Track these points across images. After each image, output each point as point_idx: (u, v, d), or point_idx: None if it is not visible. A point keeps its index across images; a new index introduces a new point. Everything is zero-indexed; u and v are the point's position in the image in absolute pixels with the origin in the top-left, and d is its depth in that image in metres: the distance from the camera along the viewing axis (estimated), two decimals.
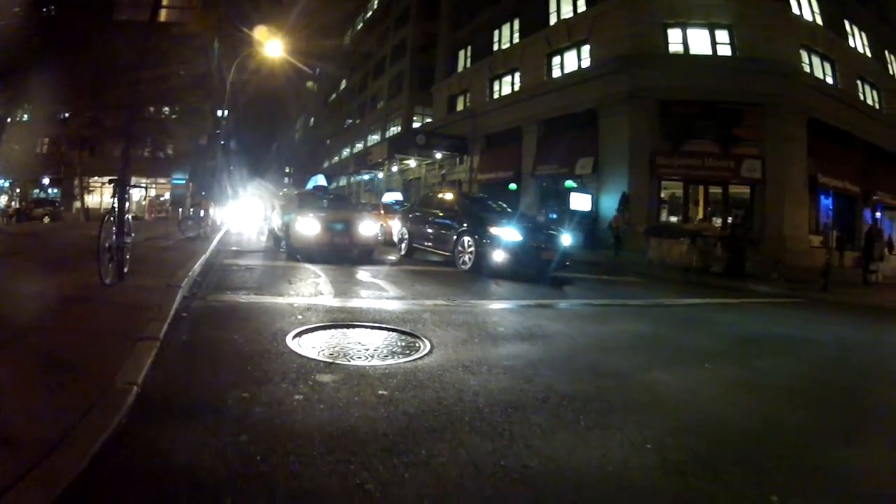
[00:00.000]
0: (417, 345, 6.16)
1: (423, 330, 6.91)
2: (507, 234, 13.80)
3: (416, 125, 58.05)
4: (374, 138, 68.49)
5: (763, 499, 3.18)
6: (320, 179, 19.36)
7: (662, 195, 29.15)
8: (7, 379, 3.85)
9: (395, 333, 6.68)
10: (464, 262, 14.26)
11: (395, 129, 62.87)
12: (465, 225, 14.87)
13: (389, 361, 5.47)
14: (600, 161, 29.27)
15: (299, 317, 7.24)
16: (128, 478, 2.87)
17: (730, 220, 22.58)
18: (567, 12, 34.33)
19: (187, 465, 3.05)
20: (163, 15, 8.87)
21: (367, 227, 15.87)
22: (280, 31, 28.26)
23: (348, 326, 6.89)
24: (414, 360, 5.56)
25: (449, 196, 18.11)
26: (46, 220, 41.99)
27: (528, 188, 34.82)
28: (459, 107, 45.70)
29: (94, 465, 2.86)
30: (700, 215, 27.83)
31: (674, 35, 28.94)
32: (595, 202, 29.40)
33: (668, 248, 20.42)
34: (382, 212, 23.67)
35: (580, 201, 29.58)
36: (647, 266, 20.23)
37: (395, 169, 53.96)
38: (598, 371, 5.72)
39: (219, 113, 37.64)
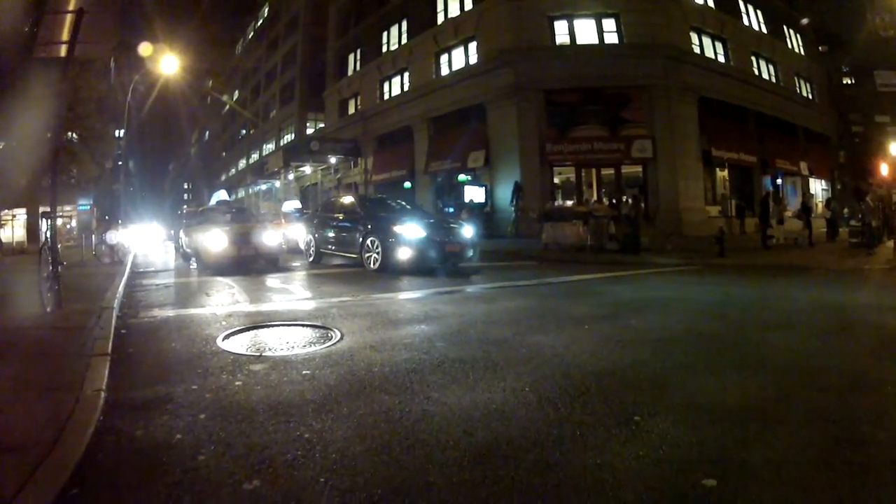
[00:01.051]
0: (330, 335, 6.98)
1: (333, 323, 7.73)
2: (411, 231, 14.25)
3: (309, 131, 58.17)
4: (269, 147, 68.37)
5: (626, 419, 4.03)
6: (222, 194, 19.83)
7: (556, 181, 30.21)
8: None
9: (309, 328, 7.49)
10: (372, 262, 14.63)
11: (289, 137, 62.79)
12: (369, 226, 15.25)
13: (308, 350, 6.31)
14: (492, 153, 30.21)
15: (223, 323, 7.95)
16: (118, 456, 3.58)
17: (614, 200, 23.59)
18: (454, 10, 34.95)
19: (163, 440, 3.79)
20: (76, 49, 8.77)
21: (271, 237, 16.55)
22: (172, 47, 27.76)
23: (268, 326, 7.68)
24: (328, 346, 6.41)
25: (351, 199, 18.59)
26: None
27: (422, 185, 35.54)
28: (351, 110, 45.94)
29: (89, 452, 3.53)
30: (594, 197, 28.72)
31: (560, 27, 29.94)
32: (490, 193, 30.36)
33: (561, 231, 21.05)
34: (283, 220, 23.98)
35: (475, 194, 30.56)
36: (543, 250, 21.00)
37: (291, 177, 53.86)
38: (484, 340, 6.66)
39: (118, 133, 37.04)
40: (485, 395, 4.60)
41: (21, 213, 55.86)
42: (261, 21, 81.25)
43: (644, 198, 27.09)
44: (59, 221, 55.42)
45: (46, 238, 9.34)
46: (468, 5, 33.94)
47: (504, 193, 28.73)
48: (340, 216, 17.08)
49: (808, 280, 13.32)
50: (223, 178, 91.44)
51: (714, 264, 16.19)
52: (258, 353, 6.09)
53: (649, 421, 3.94)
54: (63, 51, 9.71)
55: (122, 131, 36.14)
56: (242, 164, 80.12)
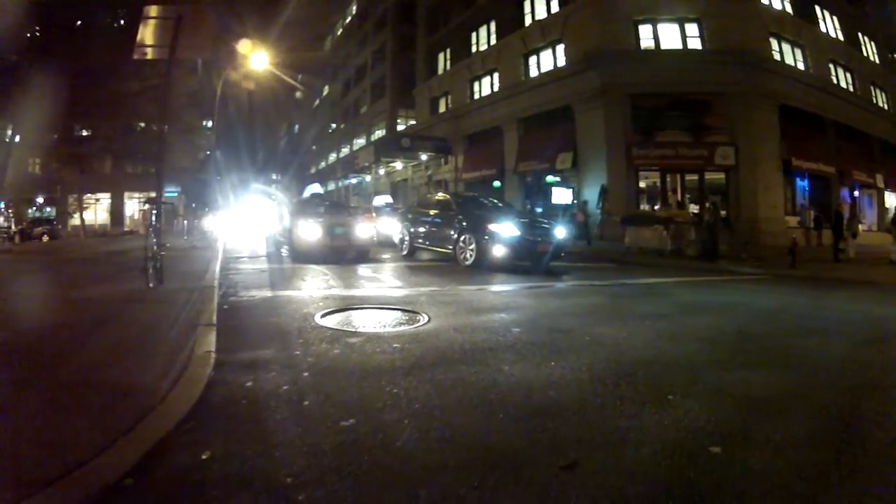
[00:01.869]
0: (418, 317, 7.85)
1: (422, 308, 8.60)
2: (505, 229, 14.75)
3: (400, 127, 58.22)
4: (360, 142, 68.46)
5: (661, 397, 4.66)
6: (315, 188, 20.94)
7: (642, 185, 30.15)
8: (122, 358, 5.37)
9: (399, 311, 8.37)
10: (465, 258, 15.28)
11: (379, 133, 62.77)
12: (464, 223, 15.87)
13: (398, 328, 7.19)
14: (579, 155, 30.23)
15: (320, 304, 8.88)
16: (230, 401, 4.40)
17: (697, 206, 23.76)
18: (541, 13, 35.10)
19: (270, 390, 4.64)
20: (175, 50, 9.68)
21: (363, 230, 17.36)
22: (263, 43, 28.29)
23: (361, 308, 8.63)
24: (416, 326, 7.30)
25: (447, 197, 19.41)
26: (45, 238, 43.05)
27: (511, 184, 35.64)
28: (441, 108, 46.34)
29: (203, 397, 4.37)
30: (678, 203, 28.51)
31: (644, 31, 29.76)
32: (577, 195, 30.41)
33: (643, 235, 21.38)
34: (374, 214, 24.96)
35: (561, 195, 30.96)
36: (625, 253, 21.27)
37: (381, 172, 54.51)
38: (554, 328, 7.36)
39: (207, 124, 38.70)
40: (546, 371, 5.35)
41: (105, 198, 59.41)
42: (348, 18, 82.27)
43: (726, 205, 27.01)
44: (146, 206, 58.56)
45: (151, 221, 10.55)
46: (555, 7, 33.90)
47: (591, 196, 28.85)
48: (435, 212, 17.81)
49: (868, 295, 13.12)
50: (313, 170, 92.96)
51: (783, 275, 16.14)
52: (353, 329, 6.98)
53: (680, 400, 4.55)
54: (159, 53, 10.83)
55: (212, 123, 37.67)
56: (333, 157, 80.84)
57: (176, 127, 37.82)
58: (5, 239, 32.81)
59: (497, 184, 36.87)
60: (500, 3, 38.57)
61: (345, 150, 74.66)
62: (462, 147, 41.37)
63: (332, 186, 76.24)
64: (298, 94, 69.01)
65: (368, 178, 59.35)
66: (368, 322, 7.58)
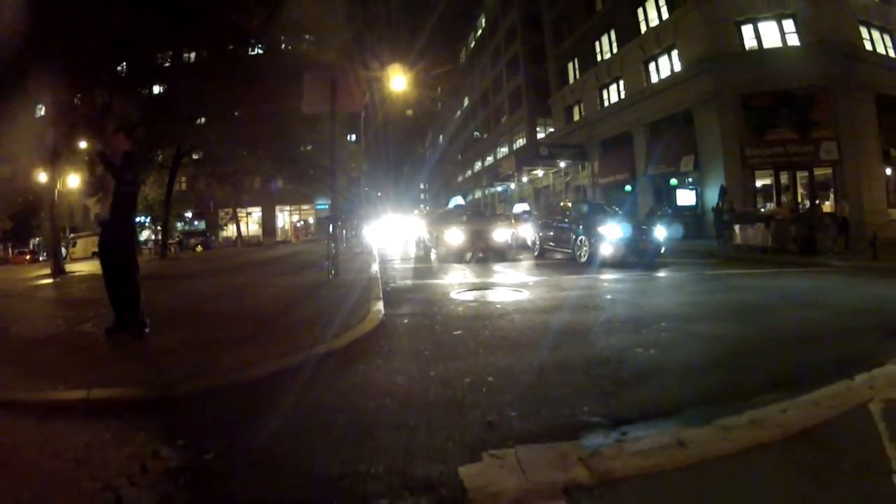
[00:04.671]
0: (522, 293, 10.96)
1: (526, 288, 11.63)
2: (611, 231, 16.91)
3: (539, 136, 59.47)
4: (503, 151, 70.03)
5: (641, 329, 7.36)
6: (458, 199, 24.26)
7: (758, 184, 30.57)
8: (327, 312, 8.61)
9: (510, 290, 11.51)
10: (581, 256, 17.51)
11: (521, 142, 64.06)
12: (580, 226, 18.11)
13: (503, 298, 10.38)
14: (700, 157, 31.10)
15: (455, 287, 12.18)
16: (393, 329, 7.67)
17: (793, 203, 24.45)
18: (654, 19, 35.96)
19: (417, 324, 7.94)
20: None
21: (500, 234, 20.18)
22: (403, 58, 29.99)
23: (483, 289, 11.80)
24: (516, 298, 10.41)
25: (568, 204, 22.28)
26: (199, 248, 48.25)
27: (643, 188, 36.53)
28: (576, 116, 47.53)
29: (378, 328, 7.54)
30: (789, 199, 28.55)
31: (747, 31, 30.15)
32: (700, 196, 31.55)
33: (748, 233, 22.13)
34: (514, 221, 27.46)
35: (685, 197, 32.42)
36: (734, 250, 22.23)
37: (525, 179, 56.22)
38: (614, 300, 10.27)
39: (351, 137, 42.27)
40: (580, 316, 8.40)
41: (256, 211, 65.17)
42: (479, 31, 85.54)
43: (834, 200, 27.42)
44: (296, 217, 64.19)
45: (330, 230, 14.44)
46: (665, 14, 34.84)
47: (711, 196, 29.27)
48: (560, 218, 20.29)
49: None
50: (460, 179, 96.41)
51: (862, 266, 16.27)
52: (476, 300, 10.18)
53: (652, 332, 7.55)
54: (320, 108, 14.22)
55: (355, 137, 40.68)
56: (478, 165, 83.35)
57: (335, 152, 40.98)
58: (169, 249, 37.12)
59: (628, 188, 37.76)
60: (617, 11, 39.58)
61: (489, 159, 76.54)
62: (597, 153, 42.38)
63: (478, 194, 79.13)
64: (409, 112, 71.84)
65: (513, 185, 61.14)
66: (486, 296, 10.78)
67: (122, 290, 7.00)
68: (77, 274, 21.49)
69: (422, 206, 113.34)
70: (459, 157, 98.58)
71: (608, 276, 14.15)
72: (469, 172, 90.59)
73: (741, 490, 3.12)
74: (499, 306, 9.39)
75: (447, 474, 3.21)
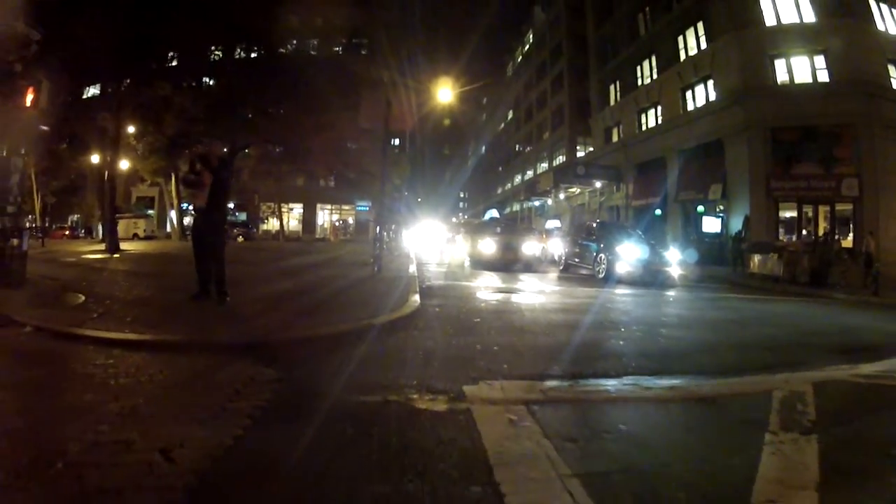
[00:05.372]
0: (539, 297, 12.99)
1: (543, 294, 13.79)
2: (627, 252, 18.40)
3: (579, 154, 60.00)
4: (543, 166, 71.45)
5: (615, 330, 9.13)
6: (494, 212, 26.17)
7: (782, 216, 31.20)
8: (373, 300, 10.62)
9: (529, 293, 13.58)
10: (599, 272, 18.88)
11: (561, 158, 64.55)
12: (601, 245, 19.54)
13: (522, 298, 12.32)
14: (728, 187, 31.85)
15: (482, 288, 14.30)
16: (427, 312, 9.66)
17: (810, 236, 25.62)
18: (693, 48, 36.81)
19: (445, 311, 9.91)
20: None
21: (530, 247, 21.88)
22: (450, 68, 31.18)
23: (508, 292, 13.69)
24: (533, 299, 12.38)
25: (591, 223, 23.86)
26: (241, 239, 48.72)
27: (673, 213, 37.48)
28: (614, 138, 48.21)
29: (415, 312, 9.44)
30: (807, 232, 29.39)
31: (779, 65, 30.87)
32: (725, 224, 32.43)
33: (762, 262, 23.13)
34: (545, 236, 29.01)
35: (711, 224, 33.43)
36: (747, 278, 23.21)
37: (561, 196, 56.49)
38: (609, 308, 12.20)
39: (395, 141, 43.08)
40: (572, 317, 10.25)
41: (297, 207, 66.91)
42: (527, 46, 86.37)
43: (854, 235, 28.20)
44: (335, 216, 66.13)
45: (376, 232, 16.55)
46: (703, 44, 35.60)
47: (735, 225, 30.35)
48: (583, 236, 21.71)
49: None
50: (499, 190, 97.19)
51: (860, 300, 17.00)
52: (496, 298, 12.23)
53: (627, 331, 9.34)
54: (375, 125, 16.18)
55: (401, 147, 41.62)
56: (518, 179, 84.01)
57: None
58: None
59: (658, 212, 38.57)
60: (659, 38, 40.51)
61: (529, 173, 77.16)
62: (632, 175, 43.01)
63: (516, 207, 79.79)
64: (446, 121, 72.94)
65: (550, 201, 61.57)
66: (506, 297, 12.68)
67: (212, 265, 8.90)
68: (132, 252, 23.96)
69: (460, 213, 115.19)
70: (500, 168, 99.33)
71: (618, 290, 15.62)
72: (509, 185, 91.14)
73: (639, 417, 4.80)
74: (514, 305, 11.31)
75: (455, 390, 5.05)
